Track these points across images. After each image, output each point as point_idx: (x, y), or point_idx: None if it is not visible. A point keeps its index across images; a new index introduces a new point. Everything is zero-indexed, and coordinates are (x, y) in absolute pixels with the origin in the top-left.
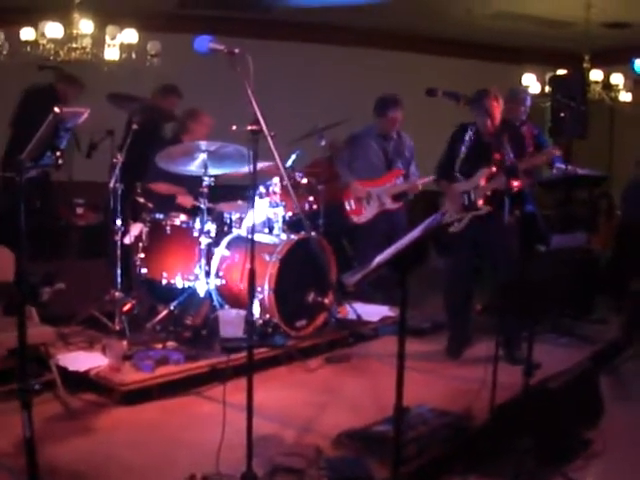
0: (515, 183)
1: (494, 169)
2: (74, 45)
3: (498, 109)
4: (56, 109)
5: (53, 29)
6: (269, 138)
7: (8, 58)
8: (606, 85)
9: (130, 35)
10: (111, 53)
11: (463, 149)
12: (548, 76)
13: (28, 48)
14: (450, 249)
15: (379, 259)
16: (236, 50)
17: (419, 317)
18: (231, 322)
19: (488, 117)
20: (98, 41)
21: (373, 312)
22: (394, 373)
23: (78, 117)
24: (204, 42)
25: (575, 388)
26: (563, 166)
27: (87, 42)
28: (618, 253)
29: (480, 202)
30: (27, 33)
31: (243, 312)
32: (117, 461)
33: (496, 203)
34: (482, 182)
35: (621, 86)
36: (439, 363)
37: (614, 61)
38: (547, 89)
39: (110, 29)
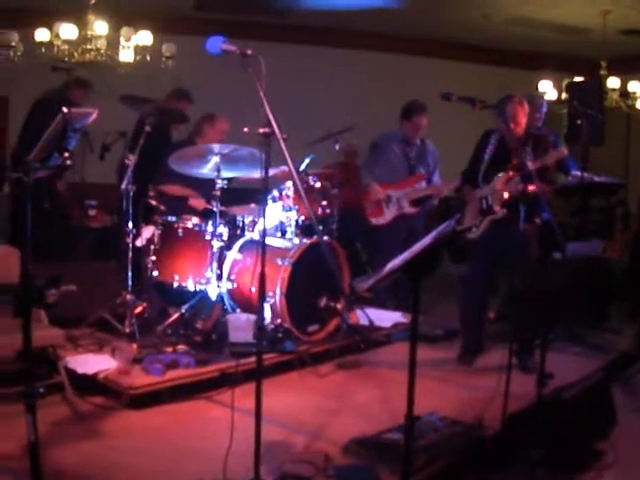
0: (531, 187)
1: (511, 173)
2: (88, 46)
3: (523, 114)
4: (64, 109)
5: (68, 30)
6: (281, 141)
7: (22, 59)
8: (623, 93)
9: (145, 37)
10: (126, 55)
11: (487, 156)
12: (565, 83)
13: (42, 49)
14: (466, 256)
15: (392, 265)
16: (248, 51)
17: (432, 324)
18: (240, 327)
19: (512, 122)
20: (113, 43)
21: (386, 318)
22: (406, 380)
23: (87, 117)
24: (216, 43)
25: (588, 398)
26: (579, 173)
27: (102, 44)
28: (634, 261)
29: (497, 207)
30: (42, 34)
31: (253, 317)
32: (123, 466)
33: (513, 208)
34: (499, 186)
35: (638, 94)
36: (451, 371)
37: (632, 68)
38: (564, 96)
39: (125, 31)
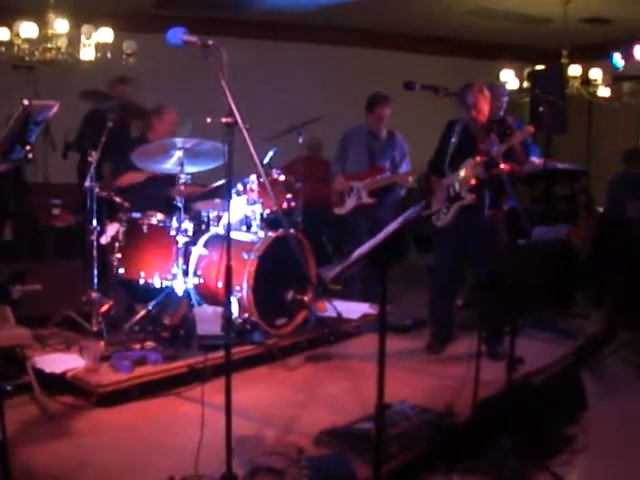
0: (503, 166)
1: (478, 159)
2: (49, 45)
3: (485, 101)
4: (25, 101)
5: (28, 29)
6: (244, 130)
7: None
8: (585, 80)
9: (106, 34)
10: (87, 53)
11: (452, 145)
12: (526, 71)
13: (3, 48)
14: (432, 246)
15: (358, 252)
16: (209, 42)
17: (400, 314)
18: (207, 319)
19: (474, 110)
20: (73, 41)
21: (354, 310)
22: (376, 371)
23: (48, 110)
24: (177, 34)
25: (558, 383)
26: (536, 160)
27: (62, 42)
28: (598, 248)
29: (465, 193)
30: (2, 33)
31: (220, 309)
32: (94, 464)
33: (479, 195)
34: (466, 172)
35: (600, 81)
36: (421, 360)
37: (593, 56)
38: (526, 84)
39: (85, 28)
